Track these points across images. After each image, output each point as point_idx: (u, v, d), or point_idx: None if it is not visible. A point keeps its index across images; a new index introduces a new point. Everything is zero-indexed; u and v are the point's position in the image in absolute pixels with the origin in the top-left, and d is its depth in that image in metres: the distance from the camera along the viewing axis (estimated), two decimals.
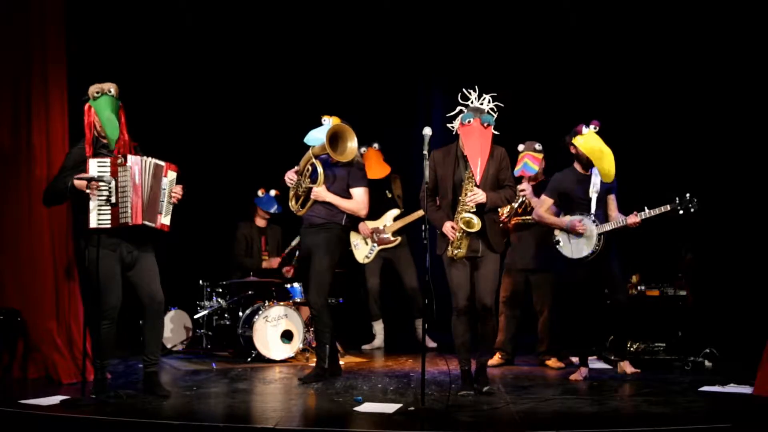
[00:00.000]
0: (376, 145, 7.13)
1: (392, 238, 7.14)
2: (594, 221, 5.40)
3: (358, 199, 5.46)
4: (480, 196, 4.75)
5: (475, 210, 4.77)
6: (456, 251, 4.81)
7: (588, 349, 5.66)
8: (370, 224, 7.14)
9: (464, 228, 4.75)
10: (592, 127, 5.37)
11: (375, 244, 7.18)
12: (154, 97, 7.20)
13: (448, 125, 4.88)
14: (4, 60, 5.40)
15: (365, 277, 7.25)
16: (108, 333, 4.68)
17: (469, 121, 4.79)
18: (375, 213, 7.01)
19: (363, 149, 7.06)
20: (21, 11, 5.42)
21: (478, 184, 4.76)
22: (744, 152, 6.66)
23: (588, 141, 5.34)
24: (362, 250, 7.20)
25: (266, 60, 7.79)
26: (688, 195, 5.25)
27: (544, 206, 5.60)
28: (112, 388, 4.76)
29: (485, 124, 4.78)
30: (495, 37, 7.55)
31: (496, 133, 4.84)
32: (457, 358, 4.97)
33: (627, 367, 5.58)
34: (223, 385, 5.28)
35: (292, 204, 5.57)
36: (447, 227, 4.81)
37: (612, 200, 5.49)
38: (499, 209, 5.88)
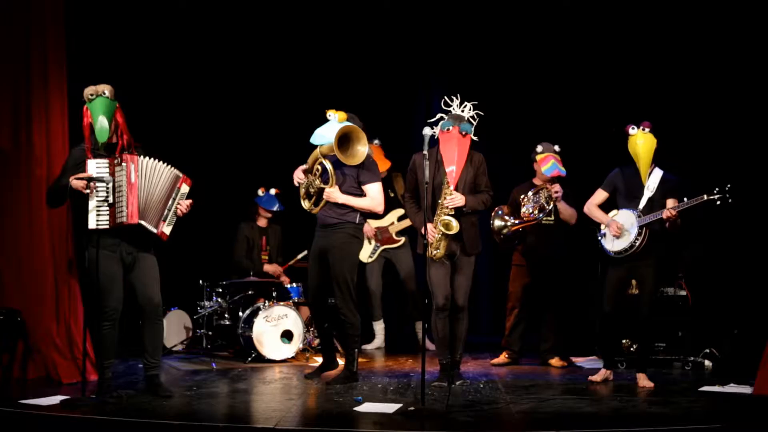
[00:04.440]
0: (377, 141, 7.10)
1: (396, 238, 7.11)
2: (638, 215, 5.25)
3: (373, 195, 5.30)
4: (459, 199, 5.02)
5: (453, 213, 5.03)
6: (435, 252, 5.06)
7: (612, 351, 5.55)
8: (374, 223, 7.11)
9: (443, 230, 5.00)
10: (641, 128, 5.24)
11: (378, 244, 7.15)
12: (155, 97, 7.20)
13: (429, 129, 4.85)
14: (4, 60, 5.40)
15: (366, 277, 7.22)
16: (108, 334, 4.69)
17: (448, 129, 5.03)
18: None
19: (372, 144, 7.09)
20: (21, 11, 5.41)
21: (453, 189, 5.01)
22: (743, 152, 6.65)
23: (629, 142, 5.27)
24: (365, 249, 7.17)
25: (267, 59, 7.78)
26: (728, 186, 5.05)
27: (596, 199, 5.52)
28: (112, 388, 4.75)
29: (463, 133, 5.03)
30: (495, 37, 7.54)
31: (475, 139, 5.05)
32: (436, 352, 5.28)
33: (642, 380, 5.26)
34: (223, 385, 5.28)
35: (305, 203, 5.44)
36: (427, 229, 4.93)
37: (671, 203, 5.25)
38: (524, 210, 6.02)
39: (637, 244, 5.23)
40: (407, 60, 7.81)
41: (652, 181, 5.32)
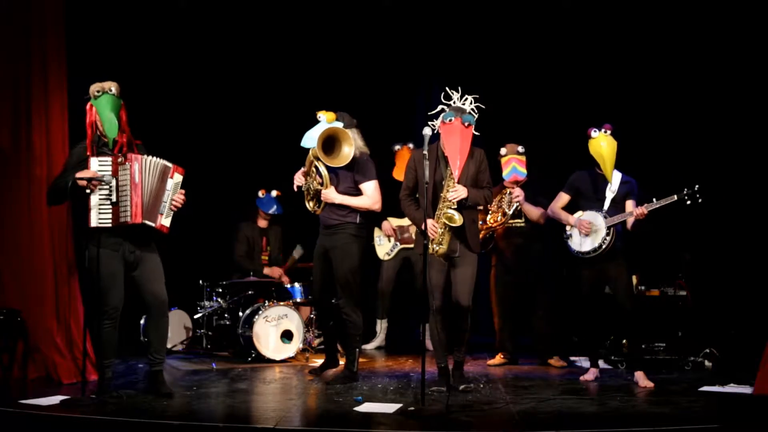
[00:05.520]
0: (411, 145, 7.12)
1: (415, 238, 7.10)
2: (604, 216, 5.36)
3: (369, 193, 5.31)
4: (461, 192, 4.87)
5: (456, 207, 4.89)
6: (437, 247, 4.91)
7: (598, 349, 5.68)
8: (394, 222, 7.11)
9: (447, 223, 4.86)
10: (603, 130, 5.33)
11: (397, 243, 7.15)
12: (155, 97, 7.20)
13: (430, 123, 4.88)
14: (4, 60, 5.40)
15: (381, 274, 7.21)
16: (109, 333, 4.68)
17: (450, 120, 4.89)
18: (400, 211, 7.00)
19: (397, 147, 7.11)
20: (21, 11, 5.41)
21: (457, 181, 4.86)
22: (744, 152, 6.65)
23: (592, 145, 5.36)
24: (384, 247, 7.18)
25: (267, 59, 7.78)
26: (696, 186, 5.16)
27: (559, 202, 5.61)
28: (112, 388, 4.75)
29: (466, 124, 4.88)
30: (495, 38, 7.54)
31: (476, 133, 4.93)
32: (435, 355, 5.11)
33: (642, 379, 5.27)
34: (223, 385, 5.28)
35: (309, 205, 5.47)
36: (428, 225, 4.80)
37: (631, 205, 5.39)
38: (490, 216, 5.99)
39: (605, 244, 5.31)
40: (407, 60, 7.81)
41: (614, 182, 5.43)
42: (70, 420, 4.14)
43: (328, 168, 5.29)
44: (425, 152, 4.64)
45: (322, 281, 5.43)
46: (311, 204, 5.46)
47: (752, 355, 5.13)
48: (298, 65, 7.77)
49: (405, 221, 7.10)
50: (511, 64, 7.58)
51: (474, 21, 7.47)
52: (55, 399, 4.53)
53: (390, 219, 7.06)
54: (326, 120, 5.26)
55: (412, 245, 7.09)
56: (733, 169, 6.66)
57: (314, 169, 5.37)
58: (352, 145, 5.20)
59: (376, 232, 7.16)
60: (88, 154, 4.64)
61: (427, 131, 4.65)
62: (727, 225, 6.65)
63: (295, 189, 5.51)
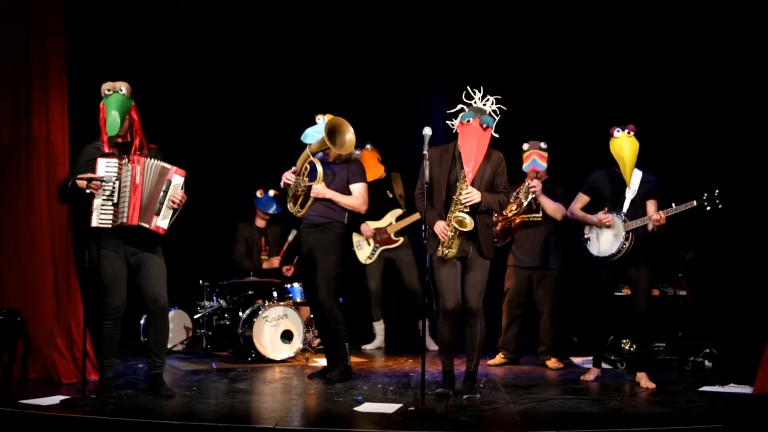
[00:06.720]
0: (369, 146, 7.06)
1: (395, 239, 7.10)
2: (623, 219, 5.29)
3: (357, 194, 5.42)
4: (475, 195, 4.72)
5: (468, 210, 4.75)
6: (447, 251, 4.78)
7: (602, 350, 5.66)
8: (372, 224, 7.11)
9: (457, 227, 4.73)
10: (626, 131, 5.26)
11: (377, 245, 7.15)
12: (154, 97, 7.18)
13: (448, 122, 4.87)
14: (4, 60, 5.40)
15: (366, 278, 7.22)
16: (110, 333, 4.68)
17: (468, 121, 4.76)
18: (377, 213, 6.99)
19: (357, 151, 7.04)
20: (21, 11, 5.41)
21: (470, 184, 4.73)
22: (744, 152, 6.65)
23: (613, 145, 5.29)
24: (365, 250, 7.17)
25: (266, 60, 7.78)
26: (717, 191, 5.09)
27: (578, 203, 5.55)
28: (112, 388, 4.75)
29: (484, 126, 4.74)
30: (496, 37, 7.54)
31: (495, 136, 4.80)
32: (440, 358, 4.99)
33: (644, 380, 5.25)
34: (223, 385, 5.28)
35: (291, 206, 5.51)
36: (438, 227, 4.77)
37: (651, 205, 5.31)
38: (509, 205, 5.90)
39: (624, 248, 5.25)
40: (407, 60, 7.81)
41: (633, 183, 5.34)
42: (70, 420, 4.14)
43: (325, 166, 5.38)
44: (425, 152, 4.61)
45: (315, 282, 5.41)
46: (293, 206, 5.50)
47: (752, 355, 5.13)
48: (297, 65, 7.77)
49: (382, 223, 7.12)
50: (514, 64, 7.57)
51: (475, 20, 7.47)
52: (55, 399, 4.53)
53: (368, 222, 7.05)
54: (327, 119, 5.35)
55: (391, 246, 7.11)
56: (732, 167, 6.65)
57: (307, 166, 5.42)
58: (351, 131, 5.30)
59: (355, 237, 7.13)
60: (104, 150, 4.65)
61: (426, 131, 4.63)
62: (726, 225, 6.63)
63: (282, 185, 5.54)
